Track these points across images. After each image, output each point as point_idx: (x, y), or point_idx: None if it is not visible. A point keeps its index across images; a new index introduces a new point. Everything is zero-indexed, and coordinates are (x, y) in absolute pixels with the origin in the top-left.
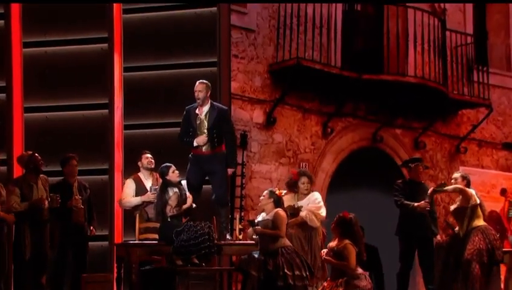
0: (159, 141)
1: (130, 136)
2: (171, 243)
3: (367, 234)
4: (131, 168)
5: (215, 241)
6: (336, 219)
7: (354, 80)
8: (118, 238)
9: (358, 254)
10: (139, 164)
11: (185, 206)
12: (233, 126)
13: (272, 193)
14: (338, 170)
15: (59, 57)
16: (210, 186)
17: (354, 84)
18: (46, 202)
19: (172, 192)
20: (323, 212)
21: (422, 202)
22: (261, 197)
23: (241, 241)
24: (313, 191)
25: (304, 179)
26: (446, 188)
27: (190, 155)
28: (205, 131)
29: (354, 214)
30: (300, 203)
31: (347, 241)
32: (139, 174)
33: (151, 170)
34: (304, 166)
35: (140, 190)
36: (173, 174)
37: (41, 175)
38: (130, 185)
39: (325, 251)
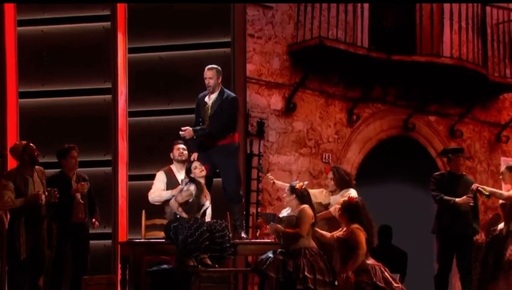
0: (167, 129)
1: (135, 124)
2: (173, 243)
3: (396, 233)
4: (136, 159)
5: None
6: (342, 205)
7: (382, 62)
8: (123, 236)
9: (368, 242)
10: (171, 155)
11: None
12: (235, 114)
13: (292, 189)
14: (365, 161)
15: (57, 36)
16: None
17: (383, 66)
18: (43, 197)
19: (185, 188)
20: None
21: (465, 197)
22: (284, 195)
23: (257, 240)
24: (344, 189)
25: (330, 175)
26: (493, 192)
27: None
28: (207, 120)
29: (360, 198)
30: (332, 199)
31: (355, 225)
32: (171, 166)
33: (183, 162)
34: (327, 157)
35: (171, 183)
36: (195, 171)
37: (37, 167)
38: (160, 177)
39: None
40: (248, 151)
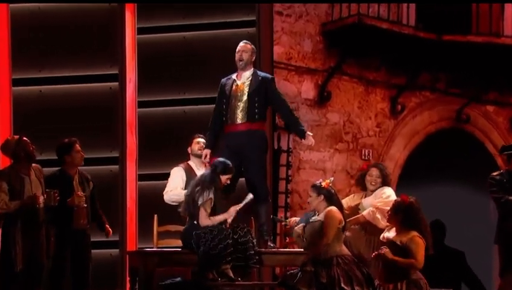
0: (183, 122)
1: (146, 116)
2: (194, 252)
3: (448, 240)
4: (147, 156)
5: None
6: (394, 205)
7: (432, 43)
8: (132, 245)
9: (425, 249)
10: (189, 150)
11: (218, 218)
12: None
13: (319, 189)
14: (411, 158)
15: (56, 14)
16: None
17: (432, 48)
18: (41, 199)
19: (211, 196)
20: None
21: None
22: (309, 199)
23: (286, 249)
24: (381, 187)
25: (372, 171)
26: None
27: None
28: (243, 98)
29: (415, 198)
30: (365, 201)
31: (415, 232)
32: (189, 162)
33: (201, 157)
34: (366, 154)
35: (191, 180)
36: (225, 178)
37: (34, 165)
38: (179, 173)
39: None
40: (275, 147)
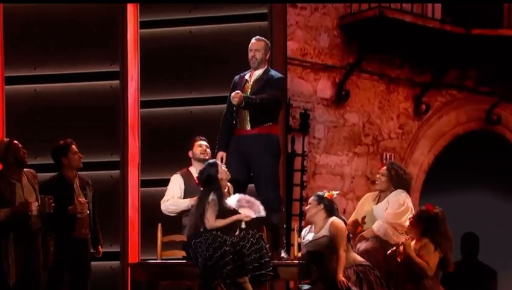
0: (189, 123)
1: (149, 117)
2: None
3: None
4: (150, 161)
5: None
6: (417, 214)
7: (459, 37)
8: (134, 256)
9: (442, 263)
10: (190, 154)
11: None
12: (280, 95)
13: (320, 198)
14: (436, 162)
15: (52, 8)
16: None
17: (460, 43)
18: (35, 206)
19: (212, 197)
20: (407, 220)
21: None
22: (307, 207)
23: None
24: (397, 190)
25: (381, 169)
26: None
27: (232, 140)
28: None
29: (441, 209)
30: (376, 209)
31: (427, 239)
32: (189, 168)
33: (203, 161)
34: (388, 157)
35: (190, 189)
36: (222, 171)
37: (26, 169)
38: (176, 181)
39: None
40: (289, 151)
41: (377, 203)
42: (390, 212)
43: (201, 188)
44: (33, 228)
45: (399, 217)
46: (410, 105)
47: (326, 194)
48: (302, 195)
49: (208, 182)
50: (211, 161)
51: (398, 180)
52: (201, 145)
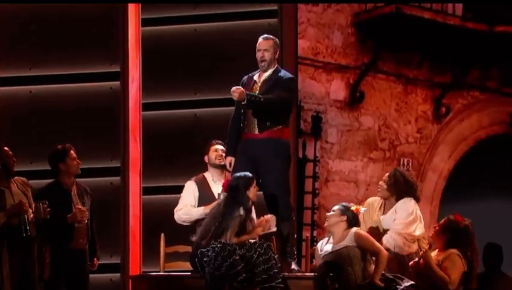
0: (194, 127)
1: (151, 120)
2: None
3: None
4: (153, 166)
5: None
6: (444, 223)
7: (482, 35)
8: (135, 268)
9: (466, 277)
10: (206, 159)
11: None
12: (288, 96)
13: (346, 209)
14: (457, 169)
15: (48, 6)
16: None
17: (483, 41)
18: (30, 212)
19: (241, 212)
20: (417, 230)
21: None
22: (329, 213)
23: (313, 274)
24: (404, 198)
25: (384, 177)
26: None
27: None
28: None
29: (471, 221)
30: (385, 220)
31: (454, 250)
32: (205, 174)
33: (222, 168)
34: (405, 163)
35: (205, 197)
36: (254, 190)
37: (17, 177)
38: (190, 189)
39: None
40: (300, 156)
41: (383, 212)
42: (400, 222)
43: (226, 194)
44: (29, 236)
45: (408, 227)
46: (429, 107)
47: (353, 207)
48: (314, 203)
49: (236, 191)
50: (250, 174)
51: (399, 187)
52: (217, 150)
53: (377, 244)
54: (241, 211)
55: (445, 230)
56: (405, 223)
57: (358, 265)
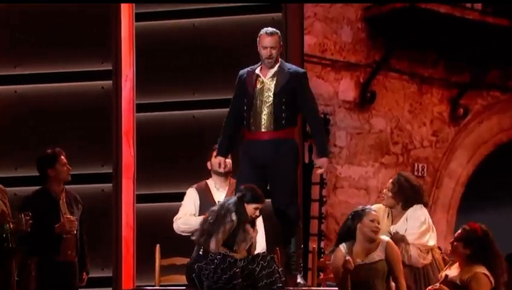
0: (192, 129)
1: (146, 122)
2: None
3: None
4: (148, 172)
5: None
6: (461, 235)
7: (503, 30)
8: (128, 282)
9: None
10: (208, 165)
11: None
12: (313, 95)
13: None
14: (476, 174)
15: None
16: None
17: (504, 37)
18: (11, 224)
19: (232, 218)
20: (430, 240)
21: None
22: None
23: (320, 288)
24: (414, 206)
25: (388, 184)
26: None
27: (241, 144)
28: (269, 100)
29: (486, 226)
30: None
31: (480, 268)
32: (207, 181)
33: (226, 176)
34: (420, 169)
35: (206, 205)
36: (251, 208)
37: None
38: (191, 197)
39: (437, 285)
40: (306, 161)
41: (391, 221)
42: (413, 232)
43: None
44: (9, 248)
45: (422, 237)
46: (446, 108)
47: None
48: (321, 212)
49: (241, 200)
50: (259, 192)
51: (405, 194)
52: None
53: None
54: (234, 217)
55: (466, 243)
56: (418, 233)
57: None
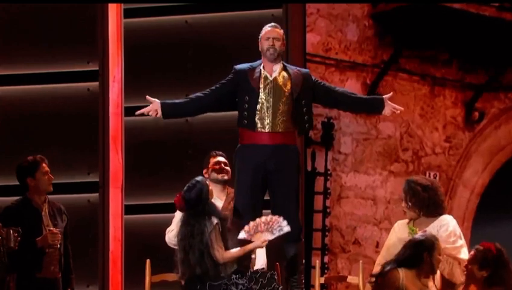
0: (184, 134)
1: (135, 127)
2: None
3: None
4: (137, 181)
5: None
6: (475, 258)
7: None
8: None
9: None
10: (205, 172)
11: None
12: None
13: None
14: (493, 183)
15: None
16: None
17: None
18: None
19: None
20: (464, 253)
21: None
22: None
23: None
24: (441, 217)
25: (401, 195)
26: None
27: (238, 148)
28: (282, 100)
29: (499, 243)
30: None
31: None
32: None
33: (224, 184)
34: (432, 177)
35: None
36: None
37: None
38: None
39: None
40: (309, 168)
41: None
42: (453, 247)
43: (188, 212)
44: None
45: (460, 250)
46: (460, 112)
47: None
48: (325, 224)
49: (199, 202)
50: (198, 178)
51: (422, 200)
52: (218, 163)
53: None
54: (214, 221)
55: (480, 266)
56: (455, 246)
57: None
